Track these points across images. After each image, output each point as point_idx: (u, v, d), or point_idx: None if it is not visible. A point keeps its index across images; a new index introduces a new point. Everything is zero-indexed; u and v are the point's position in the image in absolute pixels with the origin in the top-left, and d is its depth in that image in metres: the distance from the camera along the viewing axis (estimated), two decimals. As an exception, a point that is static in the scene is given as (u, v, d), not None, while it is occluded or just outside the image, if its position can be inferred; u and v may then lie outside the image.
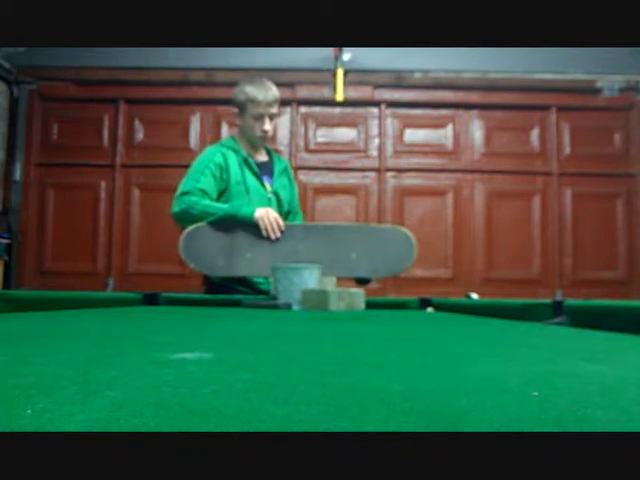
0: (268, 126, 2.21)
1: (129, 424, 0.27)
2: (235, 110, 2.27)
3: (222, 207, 2.10)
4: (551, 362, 0.55)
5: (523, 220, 3.59)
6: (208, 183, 2.15)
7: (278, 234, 2.09)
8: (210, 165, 2.18)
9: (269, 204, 2.23)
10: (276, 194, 2.28)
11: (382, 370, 0.48)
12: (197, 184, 2.14)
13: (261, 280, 2.24)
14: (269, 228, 2.07)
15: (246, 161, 2.23)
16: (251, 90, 2.18)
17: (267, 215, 2.08)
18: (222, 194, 2.22)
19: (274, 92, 2.21)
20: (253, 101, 2.17)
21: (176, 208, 2.15)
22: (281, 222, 2.10)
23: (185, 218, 2.13)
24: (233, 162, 2.22)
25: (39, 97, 3.62)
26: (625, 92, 3.60)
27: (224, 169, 2.19)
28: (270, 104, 2.19)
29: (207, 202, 2.11)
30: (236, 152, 2.23)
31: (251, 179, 2.23)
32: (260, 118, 2.19)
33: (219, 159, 2.20)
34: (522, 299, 1.70)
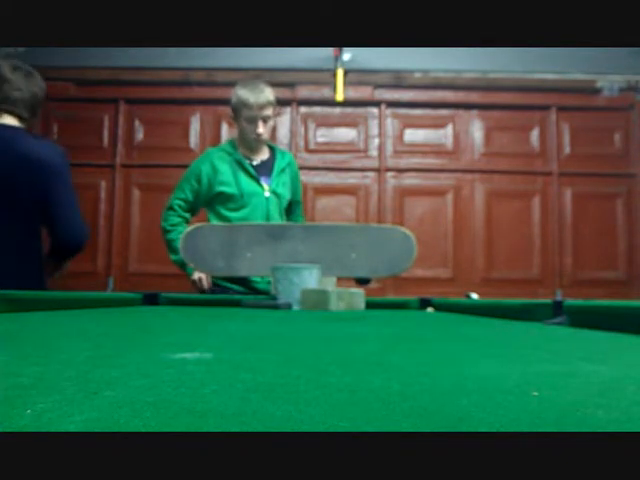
0: (261, 129, 2.20)
1: (129, 424, 0.27)
2: (231, 114, 2.28)
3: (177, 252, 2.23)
4: (551, 362, 0.55)
5: (523, 220, 3.59)
6: (192, 192, 2.28)
7: (204, 288, 2.29)
8: (196, 172, 2.27)
9: (267, 204, 2.26)
10: (275, 193, 2.28)
11: (382, 370, 0.48)
12: (182, 194, 2.29)
13: (257, 279, 2.26)
14: (198, 286, 2.28)
15: (240, 163, 2.24)
16: (243, 93, 2.18)
17: (200, 282, 2.27)
18: (217, 197, 2.24)
19: (266, 95, 2.19)
20: (245, 104, 2.17)
21: (161, 223, 2.33)
22: (207, 282, 2.28)
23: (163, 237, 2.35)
24: (224, 166, 2.23)
25: (39, 97, 3.62)
26: (625, 92, 3.59)
27: (212, 175, 2.23)
28: (262, 107, 2.18)
29: (175, 235, 2.25)
30: (230, 154, 2.25)
31: (245, 181, 2.24)
32: (253, 121, 2.19)
33: (206, 167, 2.25)
34: (522, 299, 1.70)
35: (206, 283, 2.27)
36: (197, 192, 2.25)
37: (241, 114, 2.20)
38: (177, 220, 2.28)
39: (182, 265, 2.23)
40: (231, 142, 2.33)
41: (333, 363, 0.51)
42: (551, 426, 0.29)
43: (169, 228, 2.28)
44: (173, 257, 2.25)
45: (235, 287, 2.25)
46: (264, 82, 2.27)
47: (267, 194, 2.26)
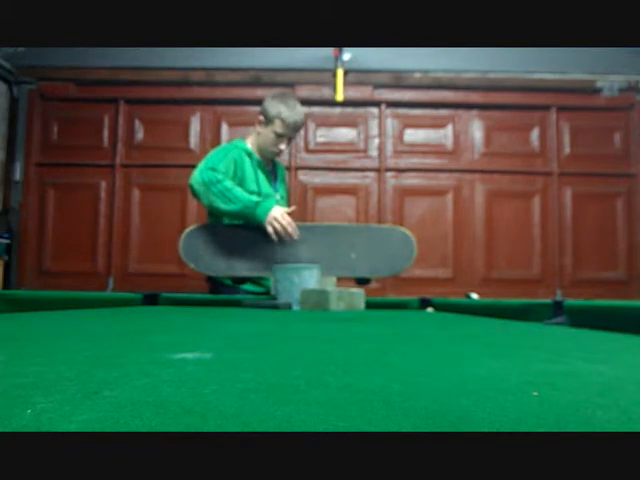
0: (284, 146, 2.26)
1: (129, 424, 0.27)
2: (260, 117, 2.27)
3: (241, 199, 2.08)
4: (551, 362, 0.55)
5: (523, 220, 3.59)
6: (229, 169, 2.18)
7: (294, 237, 2.12)
8: (229, 155, 2.22)
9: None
10: (282, 197, 2.38)
11: (382, 370, 0.48)
12: (221, 165, 2.15)
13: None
14: (282, 233, 2.10)
15: (260, 165, 2.28)
16: (284, 110, 2.20)
17: (278, 221, 2.09)
18: None
19: (303, 118, 2.25)
20: (283, 121, 2.20)
21: (198, 177, 2.11)
22: (293, 225, 2.12)
23: (202, 191, 2.11)
24: (247, 163, 2.26)
25: (39, 97, 3.62)
26: (625, 92, 3.59)
27: (239, 166, 2.23)
28: (296, 129, 2.25)
29: (229, 185, 2.10)
30: (250, 155, 2.27)
31: (264, 182, 2.28)
32: (281, 137, 2.23)
33: (237, 154, 2.24)
34: (522, 299, 1.70)
35: (290, 227, 2.09)
36: (230, 171, 2.20)
37: (273, 127, 2.22)
38: (223, 176, 2.12)
39: (245, 213, 2.08)
40: (244, 142, 2.33)
41: (333, 363, 0.51)
42: (551, 426, 0.29)
43: (216, 180, 2.08)
44: (231, 207, 2.07)
45: (244, 287, 2.26)
46: (299, 101, 2.29)
47: (278, 197, 2.32)
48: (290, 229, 2.10)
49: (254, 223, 2.11)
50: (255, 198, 2.11)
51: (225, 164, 2.16)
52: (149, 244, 3.54)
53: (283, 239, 2.11)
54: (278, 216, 2.09)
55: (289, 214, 2.13)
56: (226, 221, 2.23)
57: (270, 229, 2.08)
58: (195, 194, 2.13)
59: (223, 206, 2.08)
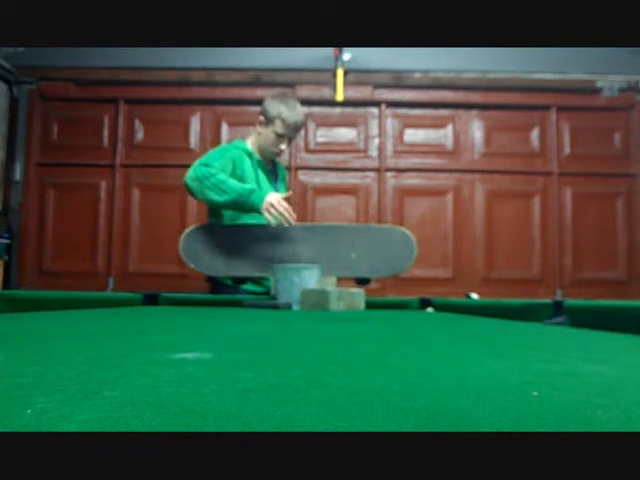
0: (284, 146, 2.26)
1: (129, 424, 0.27)
2: (260, 117, 2.26)
3: (234, 189, 2.07)
4: (551, 362, 0.55)
5: (523, 220, 3.59)
6: (226, 167, 2.17)
7: (292, 222, 2.09)
8: (228, 155, 2.21)
9: None
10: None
11: (382, 370, 0.48)
12: (216, 163, 2.14)
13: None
14: (281, 220, 2.07)
15: (260, 164, 2.28)
16: (284, 110, 2.20)
17: (275, 207, 2.06)
18: None
19: (303, 119, 2.26)
20: (284, 121, 2.20)
21: (192, 173, 2.11)
22: (290, 210, 2.09)
23: (196, 186, 2.10)
24: (247, 162, 2.26)
25: (39, 97, 3.62)
26: (625, 92, 3.59)
27: (238, 165, 2.22)
28: (297, 129, 2.25)
29: (223, 177, 2.09)
30: (250, 155, 2.27)
31: (264, 182, 2.28)
32: (282, 137, 2.23)
33: (236, 154, 2.24)
34: (522, 299, 1.70)
35: (287, 213, 2.05)
36: (228, 170, 2.19)
37: (274, 127, 2.22)
38: (216, 170, 2.11)
39: (240, 201, 2.06)
40: (244, 143, 2.32)
41: (333, 363, 0.51)
42: (551, 426, 0.29)
43: (209, 174, 2.07)
44: (226, 197, 2.06)
45: (244, 287, 2.26)
46: (299, 101, 2.29)
47: None
48: (287, 214, 2.06)
49: (250, 210, 2.09)
50: (249, 186, 2.10)
51: (221, 162, 2.16)
52: (149, 244, 3.54)
53: (281, 225, 2.08)
54: (274, 202, 2.06)
55: (286, 199, 2.11)
56: (226, 220, 2.23)
57: (267, 215, 2.06)
58: (190, 191, 2.13)
59: (217, 198, 2.07)
